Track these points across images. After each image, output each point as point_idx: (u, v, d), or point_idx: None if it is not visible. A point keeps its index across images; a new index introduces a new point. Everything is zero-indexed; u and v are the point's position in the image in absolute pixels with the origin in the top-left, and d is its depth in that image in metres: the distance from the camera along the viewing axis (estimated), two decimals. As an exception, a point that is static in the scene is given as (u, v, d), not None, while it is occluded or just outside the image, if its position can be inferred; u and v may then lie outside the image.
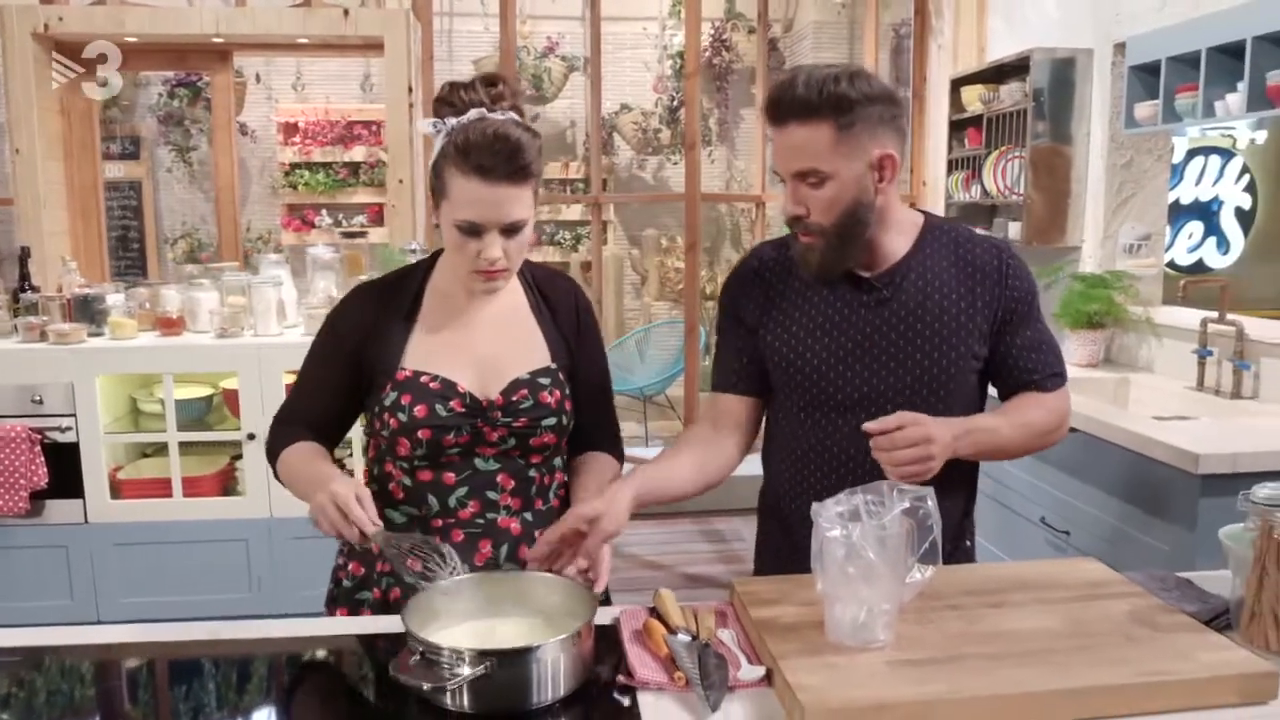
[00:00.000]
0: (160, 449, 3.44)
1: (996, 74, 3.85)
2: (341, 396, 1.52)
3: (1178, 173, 5.91)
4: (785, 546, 1.58)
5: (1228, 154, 6.03)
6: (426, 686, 1.08)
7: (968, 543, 1.64)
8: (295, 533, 3.17)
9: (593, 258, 5.32)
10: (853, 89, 1.36)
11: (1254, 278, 5.92)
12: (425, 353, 1.47)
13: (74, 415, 3.17)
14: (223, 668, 1.29)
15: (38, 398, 3.15)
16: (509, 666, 1.08)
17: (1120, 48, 3.31)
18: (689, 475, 1.51)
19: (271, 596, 3.27)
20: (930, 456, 1.30)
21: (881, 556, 1.12)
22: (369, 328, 1.49)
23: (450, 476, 1.45)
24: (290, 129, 6.36)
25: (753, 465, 1.67)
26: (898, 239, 1.49)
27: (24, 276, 3.45)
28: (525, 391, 1.46)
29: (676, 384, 5.80)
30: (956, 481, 1.52)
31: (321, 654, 1.34)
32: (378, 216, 6.49)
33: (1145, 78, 3.08)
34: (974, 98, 3.93)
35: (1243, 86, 2.61)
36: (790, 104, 1.38)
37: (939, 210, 4.42)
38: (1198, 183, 6.05)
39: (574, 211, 6.57)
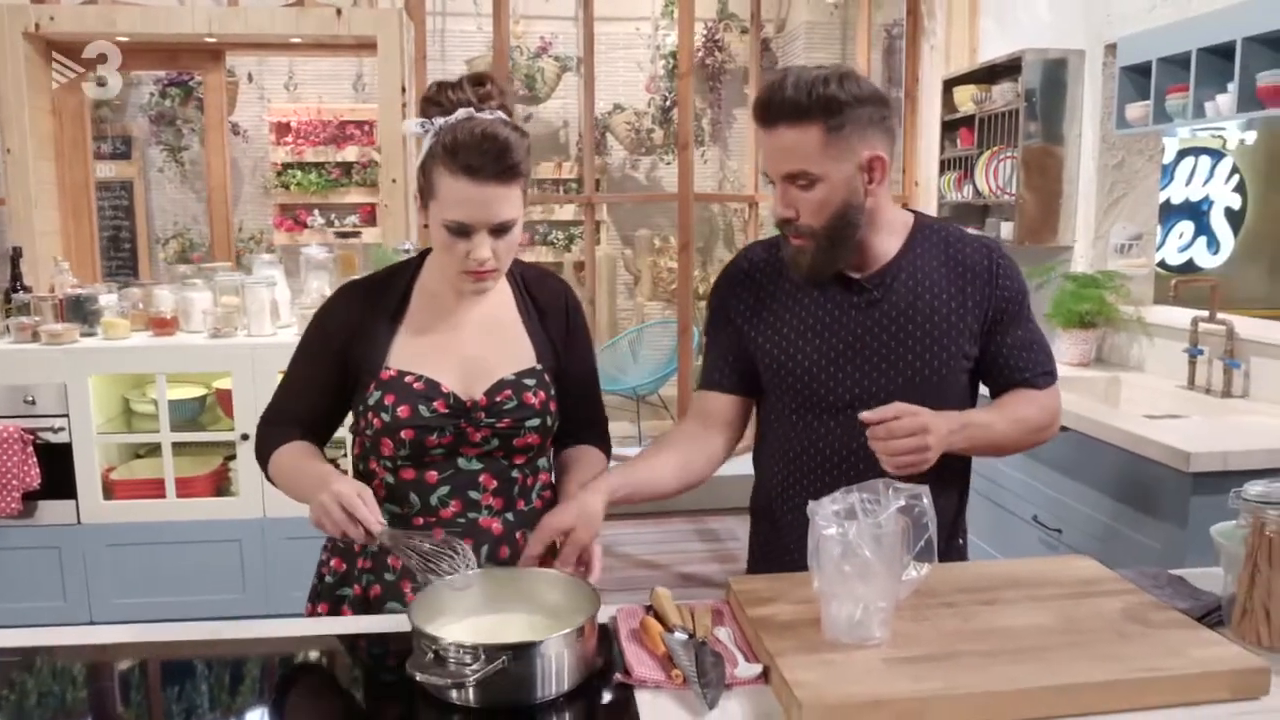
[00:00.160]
0: (153, 449, 3.43)
1: (988, 74, 3.86)
2: (329, 395, 1.51)
3: (1168, 173, 5.93)
4: (778, 547, 1.59)
5: (1218, 154, 6.07)
6: (444, 683, 1.09)
7: (960, 541, 1.65)
8: (288, 533, 3.17)
9: (586, 258, 5.32)
10: (842, 91, 1.36)
11: (1244, 277, 5.96)
12: (410, 353, 1.47)
13: (67, 416, 3.16)
14: (219, 668, 1.29)
15: (30, 398, 3.14)
16: (520, 661, 1.09)
17: (1111, 49, 3.33)
18: (670, 474, 1.51)
19: (265, 597, 3.26)
20: (926, 447, 1.30)
21: (877, 554, 1.12)
22: (356, 326, 1.49)
23: (433, 475, 1.45)
24: (282, 129, 6.34)
25: (746, 465, 1.68)
26: (888, 240, 1.50)
27: (16, 276, 3.43)
28: (509, 392, 1.46)
29: (669, 384, 5.80)
30: (949, 480, 1.53)
31: (321, 653, 1.34)
32: (370, 216, 6.48)
33: (1136, 78, 3.10)
34: (966, 98, 3.95)
35: (1233, 87, 2.63)
36: (780, 106, 1.37)
37: (931, 210, 4.44)
38: (1188, 183, 6.08)
39: (567, 211, 6.57)
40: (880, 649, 1.14)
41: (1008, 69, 3.68)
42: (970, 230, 1.60)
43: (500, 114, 1.39)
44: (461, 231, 1.36)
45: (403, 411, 1.42)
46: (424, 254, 1.56)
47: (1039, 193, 3.55)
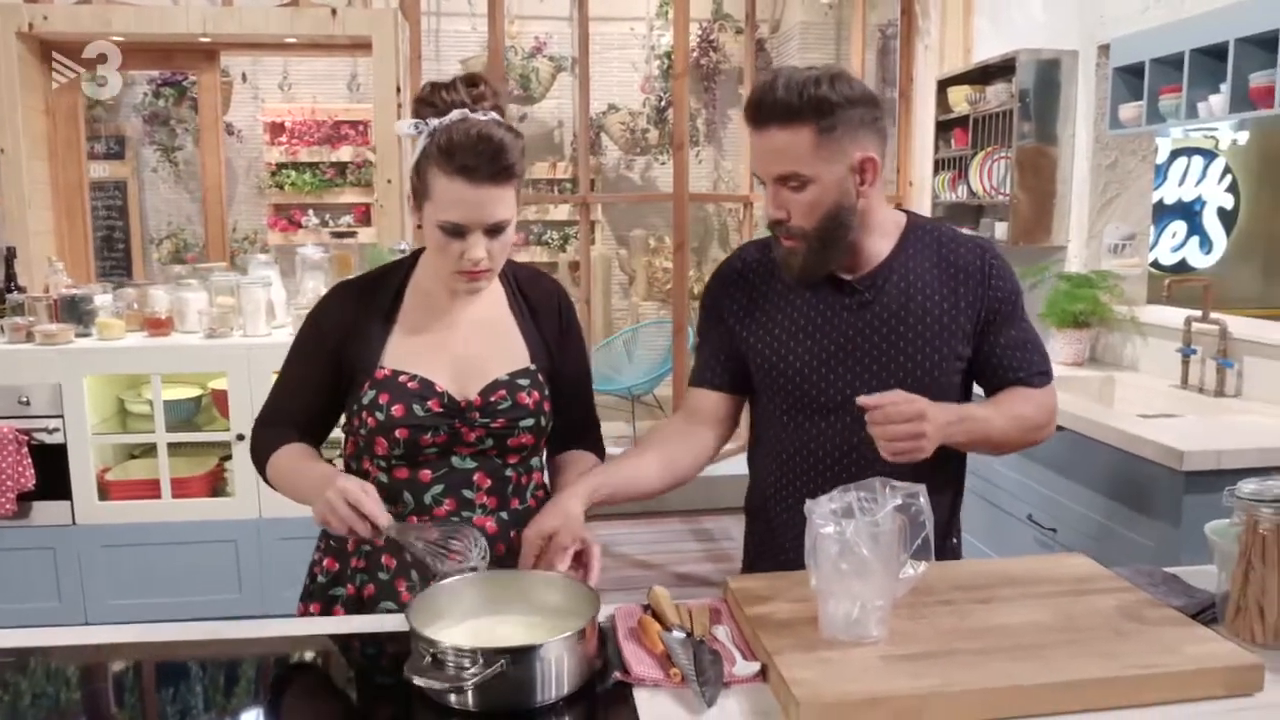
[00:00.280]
0: (148, 450, 3.43)
1: (982, 75, 3.87)
2: (324, 394, 1.51)
3: (1161, 173, 5.96)
4: (773, 546, 1.59)
5: (1210, 155, 6.09)
6: (443, 687, 1.08)
7: (954, 540, 1.66)
8: (284, 533, 3.17)
9: (581, 258, 5.33)
10: (833, 92, 1.35)
11: (1236, 277, 5.99)
12: (404, 352, 1.47)
13: (61, 416, 3.16)
14: (215, 669, 1.29)
15: (25, 399, 3.13)
16: (519, 665, 1.08)
17: (1105, 49, 3.34)
18: (654, 472, 1.51)
19: (261, 597, 3.26)
20: (922, 434, 1.29)
21: (874, 553, 1.13)
22: (350, 326, 1.49)
23: (426, 474, 1.46)
24: (277, 129, 6.33)
25: (741, 465, 1.68)
26: (880, 241, 1.49)
27: (10, 277, 3.43)
28: (503, 392, 1.46)
29: (664, 384, 5.81)
30: (943, 480, 1.54)
31: (318, 654, 1.34)
32: (365, 216, 6.47)
33: (1129, 79, 3.11)
34: (960, 98, 3.96)
35: (1225, 88, 2.64)
36: (771, 107, 1.37)
37: (925, 210, 4.45)
38: (1181, 183, 6.11)
39: (561, 212, 6.57)
40: (877, 647, 1.15)
41: (1002, 69, 3.69)
42: (964, 230, 1.60)
43: (494, 115, 1.40)
44: (456, 232, 1.37)
45: (397, 410, 1.42)
46: (416, 254, 1.56)
47: (1033, 193, 3.57)
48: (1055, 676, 1.08)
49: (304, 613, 1.55)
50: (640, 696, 1.12)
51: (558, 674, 1.10)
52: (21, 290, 3.41)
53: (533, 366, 1.51)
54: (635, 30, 6.53)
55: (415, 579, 1.46)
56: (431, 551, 1.31)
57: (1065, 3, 3.56)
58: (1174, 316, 3.09)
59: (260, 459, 1.52)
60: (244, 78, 6.35)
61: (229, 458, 3.34)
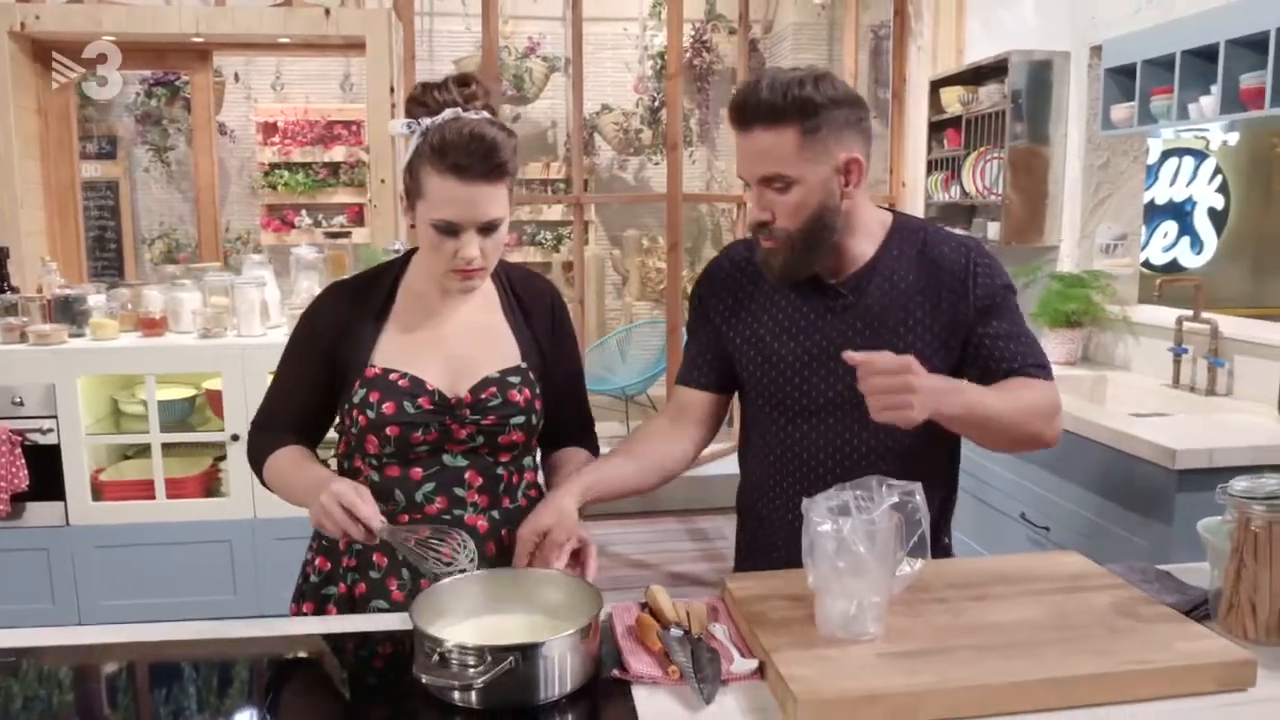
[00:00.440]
0: (142, 450, 3.42)
1: (975, 76, 3.89)
2: (319, 394, 1.52)
3: (1153, 174, 5.99)
4: (764, 544, 1.59)
5: (1201, 155, 6.13)
6: (452, 686, 1.09)
7: (945, 540, 1.66)
8: (279, 534, 3.16)
9: (574, 258, 5.33)
10: (818, 93, 1.34)
11: (1227, 277, 6.02)
12: (395, 350, 1.48)
13: (55, 417, 3.15)
14: (213, 668, 1.29)
15: (18, 399, 3.12)
16: (526, 663, 1.09)
17: (1096, 50, 3.36)
18: (644, 470, 1.53)
19: (256, 598, 3.26)
20: (909, 388, 1.22)
21: (871, 550, 1.14)
22: (342, 325, 1.49)
23: (418, 472, 1.46)
24: (269, 129, 6.33)
25: (734, 465, 1.69)
26: (864, 242, 1.48)
27: (2, 277, 3.42)
28: (494, 390, 1.47)
29: (658, 384, 5.82)
30: (935, 480, 1.54)
31: (314, 653, 1.34)
32: (358, 217, 6.47)
33: (1121, 80, 3.13)
34: (953, 99, 3.97)
35: (1216, 89, 2.66)
36: (755, 108, 1.36)
37: (919, 211, 4.47)
38: (1172, 183, 6.14)
39: (555, 212, 6.58)
40: (874, 644, 1.16)
41: (994, 70, 3.71)
42: (956, 230, 1.59)
43: (485, 114, 1.41)
44: (449, 231, 1.37)
45: (388, 408, 1.43)
46: (409, 254, 1.57)
47: (1025, 193, 3.58)
48: (1050, 673, 1.09)
49: (296, 612, 1.55)
50: (639, 694, 1.13)
51: (561, 672, 1.11)
52: (14, 290, 3.40)
53: (524, 365, 1.52)
54: (628, 30, 6.54)
55: (406, 577, 1.47)
56: (421, 554, 1.31)
57: (1057, 4, 3.58)
58: (1165, 316, 3.11)
59: (257, 461, 1.53)
60: (236, 78, 6.34)
61: (223, 458, 3.33)
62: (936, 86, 4.15)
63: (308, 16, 3.84)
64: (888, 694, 1.05)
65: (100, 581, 3.24)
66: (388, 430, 1.43)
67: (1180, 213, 6.17)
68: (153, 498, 3.25)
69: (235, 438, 3.18)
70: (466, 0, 6.01)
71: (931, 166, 4.25)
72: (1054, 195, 3.59)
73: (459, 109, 1.38)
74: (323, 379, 1.50)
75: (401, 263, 1.56)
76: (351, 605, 1.49)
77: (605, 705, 1.14)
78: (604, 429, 1.71)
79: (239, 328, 3.28)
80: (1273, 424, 2.51)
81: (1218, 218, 6.20)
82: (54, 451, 3.17)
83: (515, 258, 6.29)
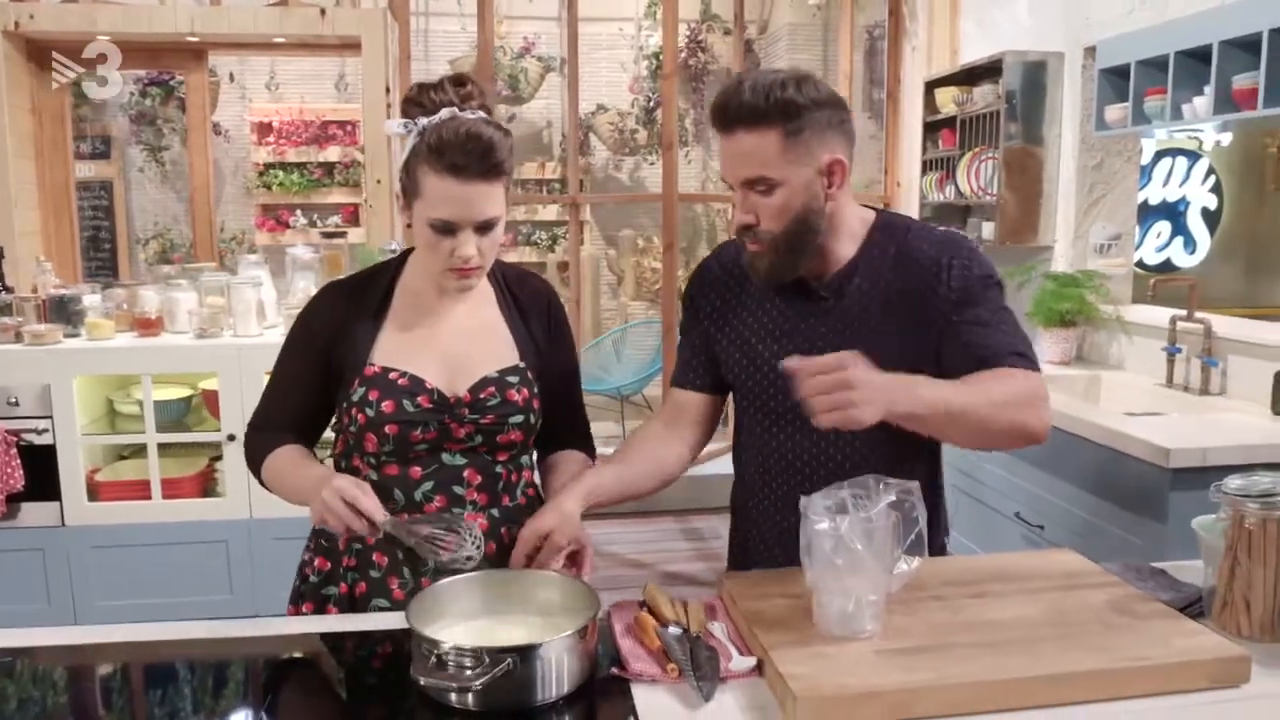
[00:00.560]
0: (138, 451, 3.41)
1: (969, 76, 3.90)
2: (316, 394, 1.52)
3: (1146, 174, 6.01)
4: (756, 543, 1.60)
5: (1194, 156, 6.14)
6: (449, 687, 1.09)
7: (943, 539, 1.66)
8: (276, 534, 3.16)
9: (570, 258, 5.33)
10: (800, 94, 1.33)
11: (1220, 277, 6.04)
12: (394, 349, 1.48)
13: (50, 417, 3.14)
14: (212, 668, 1.30)
15: (13, 399, 3.12)
16: (524, 664, 1.09)
17: (1090, 51, 3.38)
18: (644, 474, 1.53)
19: (253, 598, 3.26)
20: (848, 386, 1.16)
21: (868, 549, 1.14)
22: (339, 324, 1.50)
23: (417, 471, 1.47)
24: (264, 129, 6.31)
25: (729, 465, 1.69)
26: (846, 244, 1.46)
27: (-3, 277, 3.41)
28: (493, 389, 1.47)
29: (653, 383, 5.83)
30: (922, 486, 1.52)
31: (313, 653, 1.34)
32: (352, 217, 6.46)
33: (1115, 81, 3.14)
34: (948, 99, 3.98)
35: (1209, 90, 2.68)
36: (737, 110, 1.35)
37: (913, 210, 4.48)
38: (1165, 184, 6.16)
39: (550, 212, 6.58)
40: (872, 641, 1.17)
41: (988, 71, 3.72)
42: (940, 228, 1.53)
43: (481, 114, 1.41)
44: (446, 230, 1.38)
45: (387, 407, 1.43)
46: (405, 253, 1.57)
47: (1020, 193, 3.60)
48: (1046, 669, 1.10)
49: (295, 613, 1.55)
50: (638, 692, 1.14)
51: (559, 672, 1.11)
52: (9, 290, 3.40)
53: (522, 364, 1.52)
54: (623, 31, 6.54)
55: (407, 576, 1.47)
56: (427, 544, 1.32)
57: (1051, 5, 3.59)
58: (1159, 316, 3.12)
59: (255, 462, 1.53)
60: (231, 77, 6.33)
61: (219, 458, 3.33)
62: (931, 87, 4.16)
63: (303, 16, 3.84)
64: (886, 691, 1.06)
65: (96, 582, 3.24)
66: (387, 429, 1.44)
67: (1174, 213, 6.19)
68: (149, 498, 3.25)
69: (231, 438, 3.18)
70: (462, 0, 6.01)
71: (926, 167, 4.26)
72: (1048, 195, 3.60)
73: (455, 109, 1.39)
74: (320, 378, 1.51)
75: (398, 262, 1.57)
76: (352, 605, 1.49)
77: (604, 704, 1.14)
78: (599, 429, 1.72)
79: (235, 328, 3.27)
80: (1266, 423, 2.53)
81: (1211, 218, 6.22)
82: (49, 452, 3.16)
83: (510, 258, 6.29)
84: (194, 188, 4.67)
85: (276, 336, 3.27)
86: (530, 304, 1.59)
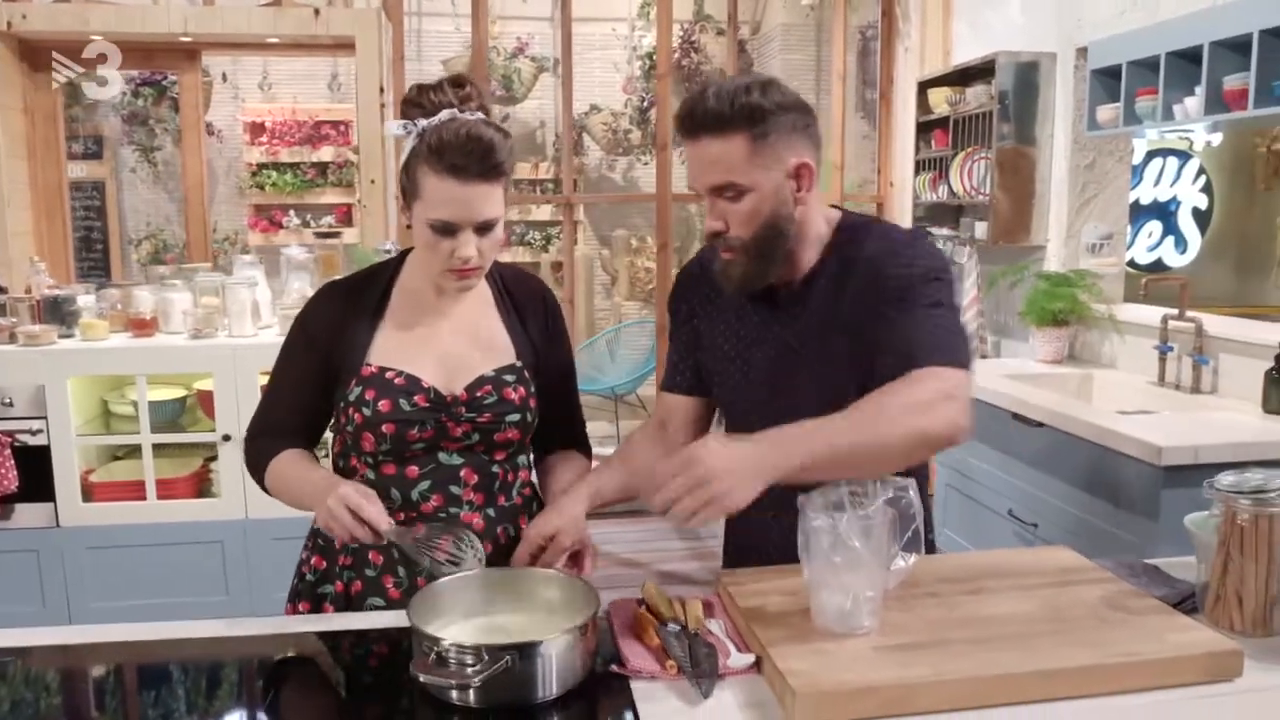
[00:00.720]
0: (132, 451, 3.41)
1: (962, 77, 3.92)
2: (316, 395, 1.52)
3: (1137, 174, 6.03)
4: (747, 544, 1.61)
5: (1185, 156, 6.18)
6: (449, 684, 1.10)
7: (929, 536, 1.67)
8: (272, 534, 3.16)
9: (564, 258, 5.34)
10: (765, 99, 1.33)
11: (1210, 276, 6.07)
12: (391, 349, 1.49)
13: (45, 418, 3.13)
14: (209, 667, 1.30)
15: (7, 400, 3.11)
16: (524, 661, 1.10)
17: (1082, 52, 3.39)
18: (636, 479, 1.55)
19: (249, 599, 3.25)
20: (703, 482, 1.13)
21: (866, 545, 1.15)
22: (338, 324, 1.50)
23: (414, 470, 1.47)
24: (257, 129, 6.31)
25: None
26: (812, 249, 1.45)
27: (-9, 278, 3.41)
28: (489, 388, 1.48)
29: (647, 383, 5.83)
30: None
31: (312, 651, 1.34)
32: (346, 217, 6.46)
33: (1107, 81, 3.16)
34: (940, 100, 4.00)
35: (1200, 90, 2.69)
36: (702, 117, 1.34)
37: (907, 210, 4.50)
38: (1156, 183, 6.19)
39: (544, 212, 6.58)
40: (869, 638, 1.17)
41: (981, 71, 3.73)
42: (903, 226, 1.49)
43: (480, 115, 1.42)
44: (446, 230, 1.38)
45: (384, 406, 1.44)
46: (404, 254, 1.58)
47: (1012, 193, 3.61)
48: (1042, 664, 1.11)
49: (293, 612, 1.56)
50: (638, 689, 1.14)
51: (559, 669, 1.12)
52: (3, 291, 3.39)
53: (519, 363, 1.53)
54: (617, 31, 6.55)
55: (403, 575, 1.48)
56: (428, 554, 1.32)
57: (1043, 6, 3.61)
58: (1151, 315, 3.14)
59: (258, 468, 1.53)
60: (224, 77, 6.33)
61: (214, 459, 3.33)
62: (924, 87, 4.17)
63: (297, 16, 3.84)
64: (884, 686, 1.07)
65: (91, 583, 3.23)
66: (384, 428, 1.44)
67: (1165, 213, 6.22)
68: (143, 498, 3.24)
69: (227, 438, 3.17)
70: (455, 0, 6.01)
71: (919, 167, 4.27)
72: (1041, 195, 3.62)
73: (455, 110, 1.40)
74: (319, 380, 1.51)
75: (396, 263, 1.57)
76: (348, 604, 1.50)
77: (603, 701, 1.15)
78: (594, 429, 1.73)
79: (230, 328, 3.27)
80: (1256, 421, 2.55)
81: (1201, 217, 6.26)
82: (44, 452, 3.15)
83: (504, 258, 6.25)
84: (187, 188, 4.66)
85: (271, 337, 3.27)
86: (527, 304, 1.60)
